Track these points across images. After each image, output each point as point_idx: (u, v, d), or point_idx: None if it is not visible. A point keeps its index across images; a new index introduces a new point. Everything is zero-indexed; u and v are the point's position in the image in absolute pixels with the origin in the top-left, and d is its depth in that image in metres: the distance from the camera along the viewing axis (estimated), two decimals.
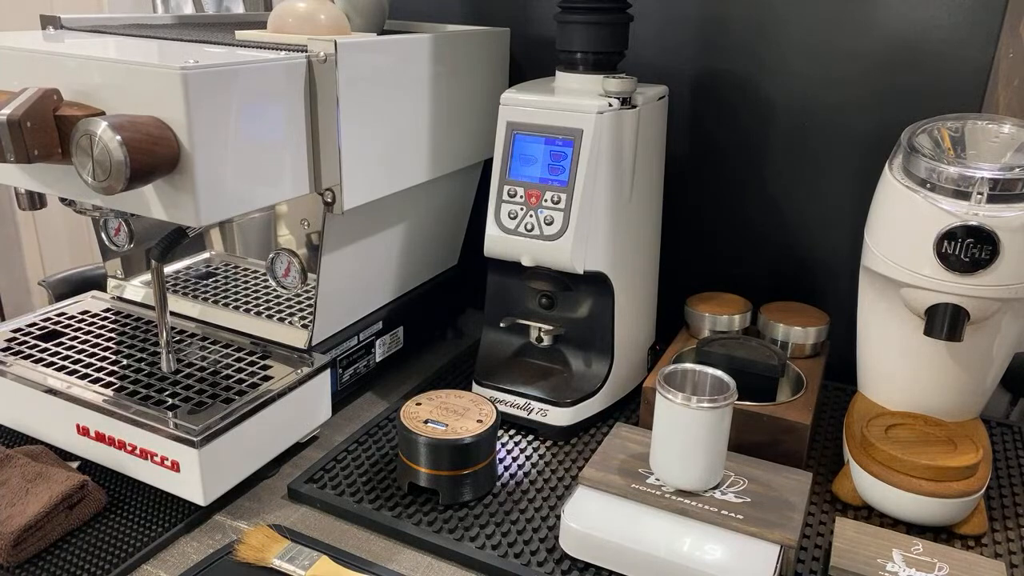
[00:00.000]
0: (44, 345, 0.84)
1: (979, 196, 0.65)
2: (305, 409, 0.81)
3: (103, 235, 0.95)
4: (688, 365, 0.71)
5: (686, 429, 0.66)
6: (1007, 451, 0.84)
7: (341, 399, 0.89)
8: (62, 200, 0.74)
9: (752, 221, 0.99)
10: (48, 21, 0.84)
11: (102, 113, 0.62)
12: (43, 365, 0.80)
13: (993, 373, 0.76)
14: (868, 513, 0.74)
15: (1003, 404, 1.00)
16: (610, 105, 0.78)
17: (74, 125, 0.59)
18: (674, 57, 0.97)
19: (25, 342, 0.85)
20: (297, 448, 0.82)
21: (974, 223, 0.65)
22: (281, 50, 0.72)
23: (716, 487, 0.68)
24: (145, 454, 0.71)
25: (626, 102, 0.79)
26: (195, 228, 0.71)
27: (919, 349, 0.74)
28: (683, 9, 0.95)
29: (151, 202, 0.64)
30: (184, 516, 0.71)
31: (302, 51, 0.72)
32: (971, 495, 0.68)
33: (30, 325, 0.88)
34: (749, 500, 0.67)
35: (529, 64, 1.04)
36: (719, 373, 0.70)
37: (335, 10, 0.82)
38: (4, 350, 0.82)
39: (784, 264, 0.99)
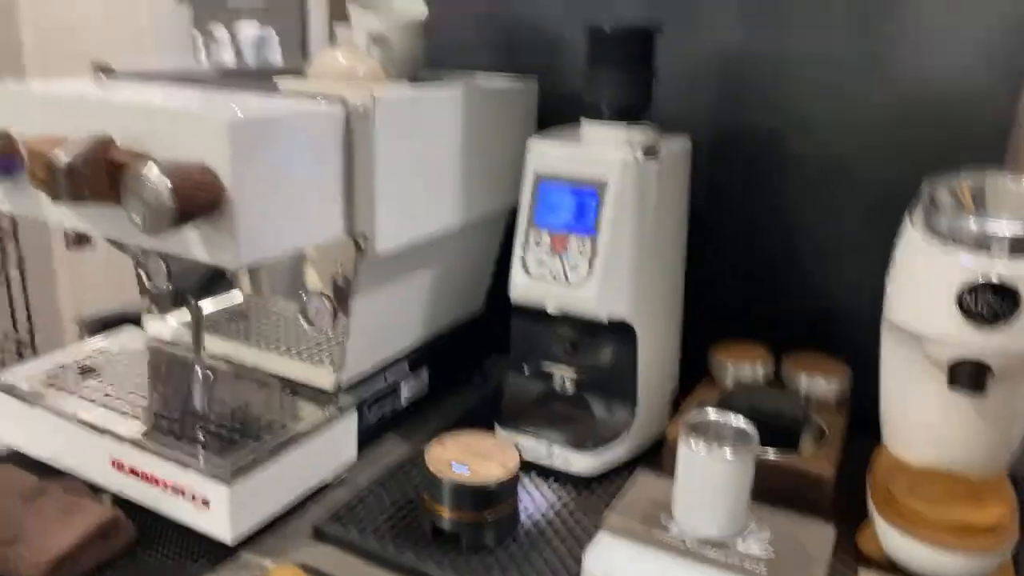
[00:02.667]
0: (82, 380, 0.86)
1: (1000, 251, 0.66)
2: (332, 449, 0.82)
3: (142, 274, 0.98)
4: (711, 414, 0.71)
5: (709, 478, 0.67)
6: None
7: (366, 440, 0.90)
8: (108, 240, 0.77)
9: (775, 272, 1.00)
10: (100, 69, 0.88)
11: (151, 158, 0.65)
12: (80, 399, 0.82)
13: (1019, 428, 0.75)
14: (892, 568, 0.73)
15: None
16: (635, 156, 0.80)
17: (125, 169, 0.62)
18: (697, 109, 1.00)
19: (63, 377, 0.87)
20: (323, 488, 0.83)
21: (995, 278, 0.66)
22: (321, 100, 0.75)
23: (738, 537, 0.68)
24: (176, 490, 0.72)
25: (650, 153, 0.81)
26: (231, 268, 0.73)
27: (943, 403, 0.74)
28: (706, 63, 0.98)
29: (192, 243, 0.67)
30: (212, 552, 0.72)
31: (341, 102, 0.75)
32: (998, 552, 0.67)
33: (69, 360, 0.91)
34: (772, 551, 0.66)
35: (554, 111, 1.06)
36: (742, 422, 0.70)
37: (372, 62, 0.86)
38: (43, 384, 0.85)
39: (807, 314, 1.00)
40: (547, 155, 0.83)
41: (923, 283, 0.71)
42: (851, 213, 0.95)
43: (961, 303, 0.67)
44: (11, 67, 2.02)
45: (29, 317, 2.32)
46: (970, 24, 0.86)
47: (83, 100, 0.71)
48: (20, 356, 2.34)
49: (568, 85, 1.05)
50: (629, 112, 0.85)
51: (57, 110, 0.72)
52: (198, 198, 0.62)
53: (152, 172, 0.60)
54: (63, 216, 0.74)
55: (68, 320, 2.26)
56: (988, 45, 0.85)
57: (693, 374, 0.98)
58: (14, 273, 2.26)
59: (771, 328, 1.01)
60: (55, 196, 0.62)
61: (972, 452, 0.75)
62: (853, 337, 0.97)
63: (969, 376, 0.69)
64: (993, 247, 0.66)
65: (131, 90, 0.78)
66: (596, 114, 0.86)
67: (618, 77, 0.84)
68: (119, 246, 0.82)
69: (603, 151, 0.81)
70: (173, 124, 0.65)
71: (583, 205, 0.81)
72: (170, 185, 0.59)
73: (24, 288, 2.28)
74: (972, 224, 0.68)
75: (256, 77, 0.98)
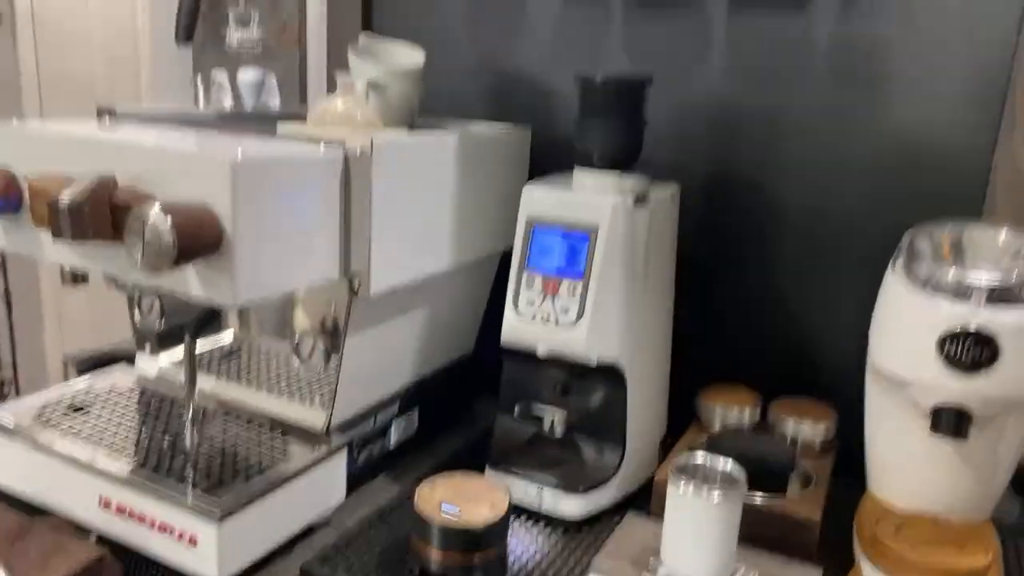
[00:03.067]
0: (70, 417, 0.86)
1: (979, 300, 0.68)
2: (321, 489, 0.82)
3: (136, 312, 0.98)
4: (699, 457, 0.72)
5: (697, 520, 0.67)
6: (1021, 556, 0.84)
7: (355, 480, 0.90)
8: (105, 277, 0.77)
9: (762, 318, 1.02)
10: (103, 111, 0.90)
11: (153, 198, 0.66)
12: (69, 437, 0.82)
13: (1001, 474, 0.77)
14: None
15: (1016, 509, 1.00)
16: (625, 202, 0.82)
17: (127, 209, 0.63)
18: (687, 158, 1.02)
19: (52, 414, 0.87)
20: (311, 528, 0.82)
21: (974, 326, 0.68)
22: (320, 144, 0.77)
23: None
24: (164, 528, 0.72)
25: (640, 199, 0.83)
26: (228, 307, 0.74)
27: (926, 448, 0.75)
28: (695, 114, 1.01)
29: (191, 282, 0.68)
30: None
31: (340, 146, 0.77)
32: None
33: (57, 398, 0.91)
34: None
35: (547, 160, 1.09)
36: (730, 466, 0.71)
37: (370, 109, 0.88)
38: (31, 421, 0.85)
39: (794, 360, 1.01)
40: (540, 200, 0.85)
41: (905, 330, 0.73)
42: (836, 260, 0.97)
43: (942, 350, 0.69)
44: (10, 111, 2.05)
45: (14, 355, 2.30)
46: (949, 76, 0.89)
47: (86, 140, 0.73)
48: (2, 394, 2.31)
49: (561, 134, 1.08)
50: (619, 160, 0.87)
51: (60, 150, 0.74)
52: (199, 238, 0.63)
53: (154, 212, 0.61)
54: (62, 254, 0.75)
55: (52, 358, 2.25)
56: (967, 97, 0.89)
57: (681, 418, 0.99)
58: (1, 310, 2.25)
59: (758, 373, 1.03)
60: (57, 234, 0.63)
61: (956, 497, 0.76)
62: (839, 382, 0.98)
63: (950, 421, 0.70)
64: (972, 296, 0.68)
65: (133, 131, 0.79)
66: (587, 162, 0.88)
67: (609, 126, 0.86)
68: (115, 283, 0.82)
69: (594, 197, 0.83)
70: (175, 165, 0.67)
71: (574, 249, 0.83)
72: (170, 224, 0.60)
73: (10, 325, 2.27)
74: (951, 274, 0.70)
75: (256, 121, 1.00)
